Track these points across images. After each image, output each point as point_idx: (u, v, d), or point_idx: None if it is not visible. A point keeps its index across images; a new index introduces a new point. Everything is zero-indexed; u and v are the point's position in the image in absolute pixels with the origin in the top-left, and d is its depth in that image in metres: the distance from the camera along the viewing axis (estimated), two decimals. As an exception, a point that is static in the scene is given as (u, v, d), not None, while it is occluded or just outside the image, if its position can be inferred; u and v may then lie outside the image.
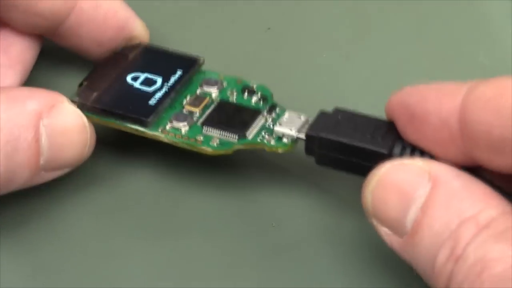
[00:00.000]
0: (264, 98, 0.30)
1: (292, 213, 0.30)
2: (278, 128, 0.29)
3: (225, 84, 0.31)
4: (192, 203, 0.31)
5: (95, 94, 0.30)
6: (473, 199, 0.25)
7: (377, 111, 0.29)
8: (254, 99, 0.30)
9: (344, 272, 0.29)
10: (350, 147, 0.28)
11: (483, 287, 0.23)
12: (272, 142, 0.29)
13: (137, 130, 0.30)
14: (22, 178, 0.29)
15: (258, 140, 0.29)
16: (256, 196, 0.31)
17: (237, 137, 0.29)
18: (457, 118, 0.25)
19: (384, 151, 0.27)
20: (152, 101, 0.30)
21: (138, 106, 0.30)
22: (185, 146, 0.29)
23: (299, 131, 0.29)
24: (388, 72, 0.29)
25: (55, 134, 0.29)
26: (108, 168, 0.31)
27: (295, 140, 0.29)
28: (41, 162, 0.29)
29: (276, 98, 0.31)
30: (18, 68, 0.31)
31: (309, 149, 0.29)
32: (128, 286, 0.29)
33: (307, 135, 0.28)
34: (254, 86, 0.31)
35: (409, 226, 0.26)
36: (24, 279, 0.29)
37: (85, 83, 0.31)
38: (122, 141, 0.32)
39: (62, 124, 0.29)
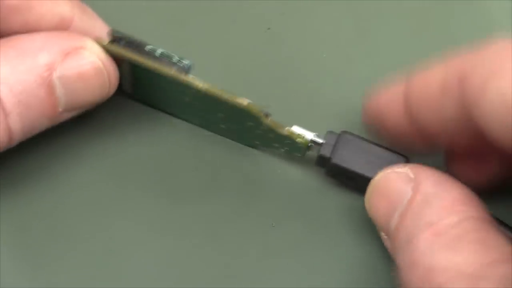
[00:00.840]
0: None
1: (292, 213, 0.30)
2: (297, 127, 0.30)
3: None
4: (193, 202, 0.31)
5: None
6: (441, 206, 0.26)
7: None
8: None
9: (344, 272, 0.29)
10: (359, 175, 0.29)
11: None
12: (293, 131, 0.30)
13: (174, 74, 0.29)
14: (42, 125, 0.29)
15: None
16: (256, 196, 0.31)
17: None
18: (406, 118, 0.27)
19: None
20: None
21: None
22: (222, 94, 0.29)
23: (315, 136, 0.30)
24: (388, 72, 0.29)
25: (71, 82, 0.29)
26: (110, 162, 0.31)
27: (309, 144, 0.30)
28: (59, 109, 0.29)
29: (276, 98, 0.31)
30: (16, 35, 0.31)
31: (319, 163, 0.30)
32: (129, 285, 0.29)
33: (320, 156, 0.30)
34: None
35: (392, 232, 0.27)
36: (24, 279, 0.29)
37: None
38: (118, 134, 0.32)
39: (77, 71, 0.29)
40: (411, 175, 0.27)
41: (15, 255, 0.30)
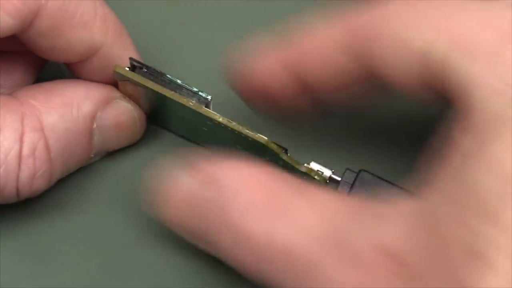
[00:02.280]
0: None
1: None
2: (314, 164, 0.30)
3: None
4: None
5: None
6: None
7: (377, 111, 0.29)
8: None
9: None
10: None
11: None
12: (312, 167, 0.30)
13: (194, 105, 0.29)
14: (73, 169, 0.30)
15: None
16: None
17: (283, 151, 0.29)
18: (292, 77, 0.27)
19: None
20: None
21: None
22: (240, 130, 0.29)
23: (333, 174, 0.29)
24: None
25: (107, 131, 0.29)
26: (109, 167, 0.32)
27: (327, 180, 0.29)
28: (91, 155, 0.30)
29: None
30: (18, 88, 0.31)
31: None
32: (129, 285, 0.29)
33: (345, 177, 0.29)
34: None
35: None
36: (24, 279, 0.29)
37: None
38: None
39: (115, 120, 0.29)
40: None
41: (15, 255, 0.30)
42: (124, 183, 0.31)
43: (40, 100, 0.28)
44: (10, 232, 0.30)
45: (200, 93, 0.29)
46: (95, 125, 0.29)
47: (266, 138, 0.29)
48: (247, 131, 0.29)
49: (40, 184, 0.28)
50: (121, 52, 0.29)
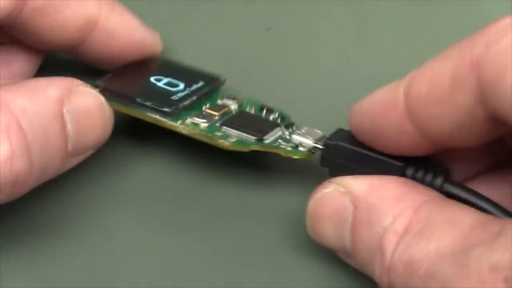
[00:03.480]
0: (282, 117, 0.31)
1: (292, 213, 0.30)
2: (296, 136, 0.30)
3: (244, 102, 0.31)
4: (193, 202, 0.31)
5: (118, 83, 0.31)
6: (388, 208, 0.25)
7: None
8: (272, 117, 0.31)
9: (344, 271, 0.29)
10: (368, 157, 0.28)
11: None
12: (289, 148, 0.29)
13: (156, 119, 0.30)
14: (53, 168, 0.29)
15: (275, 144, 0.29)
16: (256, 196, 0.31)
17: (254, 139, 0.29)
18: (409, 122, 0.26)
19: (399, 163, 0.27)
20: (174, 97, 0.30)
21: (160, 98, 0.30)
22: (203, 139, 0.29)
23: (317, 141, 0.29)
24: (388, 72, 0.29)
25: (78, 117, 0.29)
26: (105, 165, 0.32)
27: (311, 149, 0.29)
28: (69, 148, 0.29)
29: (276, 98, 0.31)
30: (17, 80, 0.31)
31: (324, 160, 0.29)
32: (130, 284, 0.29)
33: (325, 144, 0.29)
34: (274, 108, 0.31)
35: (349, 249, 0.26)
36: (24, 279, 0.29)
37: (108, 75, 0.31)
38: (124, 136, 0.32)
39: (83, 106, 0.29)
40: (342, 190, 0.27)
41: (15, 255, 0.30)
42: (125, 183, 0.31)
43: (5, 89, 0.28)
44: (10, 232, 0.30)
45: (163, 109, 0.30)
46: (64, 110, 0.28)
47: (228, 142, 0.29)
48: (208, 139, 0.29)
49: (20, 164, 0.27)
50: (119, 20, 0.30)
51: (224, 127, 0.30)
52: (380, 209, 0.25)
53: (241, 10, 0.35)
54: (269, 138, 0.30)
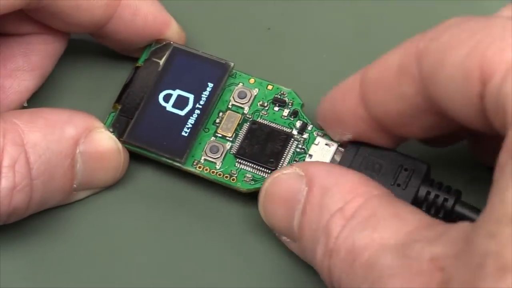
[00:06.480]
0: (294, 112, 0.31)
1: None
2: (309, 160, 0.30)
3: (255, 92, 0.31)
4: (193, 202, 0.31)
5: (129, 126, 0.30)
6: (342, 193, 0.26)
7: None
8: (286, 112, 0.31)
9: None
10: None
11: (357, 276, 0.24)
12: None
13: (173, 164, 0.30)
14: (55, 200, 0.29)
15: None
16: (256, 195, 0.31)
17: (269, 172, 0.29)
18: (361, 106, 0.27)
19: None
20: (185, 132, 0.30)
21: (172, 141, 0.30)
22: (220, 183, 0.30)
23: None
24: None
25: (90, 160, 0.29)
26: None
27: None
28: (74, 185, 0.29)
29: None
30: (36, 73, 0.31)
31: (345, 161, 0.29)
32: (130, 284, 0.29)
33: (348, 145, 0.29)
34: (286, 95, 0.31)
35: (296, 231, 0.27)
36: (25, 279, 0.29)
37: (118, 106, 0.31)
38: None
39: (97, 149, 0.29)
40: (301, 173, 0.27)
41: (15, 255, 0.30)
42: (125, 183, 0.31)
43: (24, 120, 0.28)
44: (10, 232, 0.30)
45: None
46: (78, 151, 0.29)
47: (244, 189, 0.29)
48: (219, 180, 0.30)
49: (19, 199, 0.27)
50: (133, 9, 0.30)
51: (238, 160, 0.30)
52: (333, 194, 0.26)
53: (241, 10, 0.35)
54: (283, 163, 0.30)
